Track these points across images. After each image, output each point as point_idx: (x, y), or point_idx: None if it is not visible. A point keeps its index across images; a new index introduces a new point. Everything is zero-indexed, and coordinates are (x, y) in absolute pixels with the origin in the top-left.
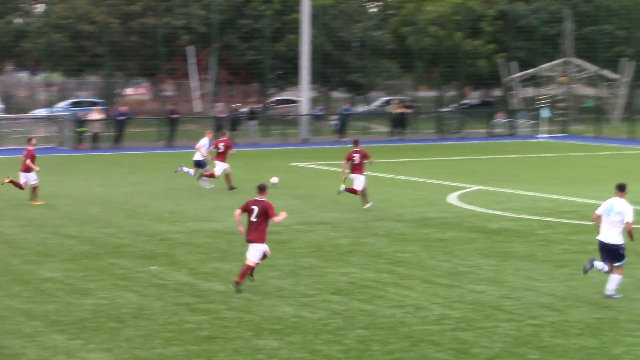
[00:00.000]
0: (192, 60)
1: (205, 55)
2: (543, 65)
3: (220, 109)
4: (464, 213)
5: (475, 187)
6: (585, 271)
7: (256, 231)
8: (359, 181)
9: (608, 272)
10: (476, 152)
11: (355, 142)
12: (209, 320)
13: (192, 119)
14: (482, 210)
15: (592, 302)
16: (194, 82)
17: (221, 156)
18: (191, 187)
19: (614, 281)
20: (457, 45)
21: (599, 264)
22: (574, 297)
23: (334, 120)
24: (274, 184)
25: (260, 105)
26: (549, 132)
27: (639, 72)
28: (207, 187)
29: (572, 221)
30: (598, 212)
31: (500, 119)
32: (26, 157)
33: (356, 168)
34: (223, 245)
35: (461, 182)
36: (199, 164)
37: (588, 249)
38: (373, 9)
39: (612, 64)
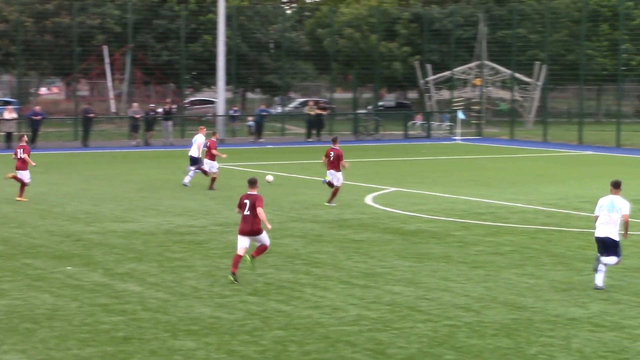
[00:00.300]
0: (107, 60)
1: (120, 55)
2: (458, 68)
3: (135, 109)
4: (380, 214)
5: (391, 189)
6: (596, 270)
7: (253, 223)
8: (335, 177)
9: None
10: (392, 154)
11: (334, 140)
12: (125, 321)
13: (107, 119)
14: (399, 211)
15: (507, 303)
16: (109, 82)
17: (211, 155)
18: (107, 187)
19: (603, 268)
20: (373, 47)
21: (605, 263)
22: (489, 298)
23: (250, 122)
24: (269, 182)
25: (176, 106)
26: (464, 134)
27: (551, 76)
28: (188, 183)
29: (487, 223)
30: (597, 212)
31: (417, 121)
32: (23, 152)
33: (332, 165)
34: (139, 246)
35: (377, 184)
36: (195, 161)
37: (503, 250)
38: (289, 10)
39: (526, 68)
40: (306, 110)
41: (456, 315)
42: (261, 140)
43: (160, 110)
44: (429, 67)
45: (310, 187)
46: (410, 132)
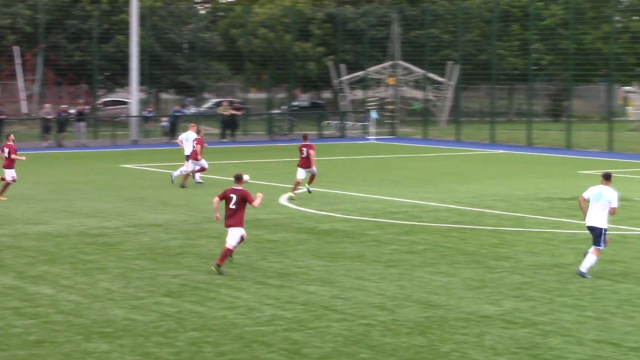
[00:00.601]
0: (17, 61)
1: (32, 56)
2: (371, 68)
3: (47, 110)
4: (295, 214)
5: (305, 189)
6: (584, 275)
7: (235, 217)
8: (300, 172)
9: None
10: None
11: (305, 137)
12: (38, 324)
13: (19, 120)
14: (313, 211)
15: (421, 301)
16: (20, 82)
17: (195, 154)
18: (18, 189)
19: (589, 260)
20: (287, 47)
21: (587, 263)
22: (403, 296)
23: (163, 122)
24: (245, 182)
25: (89, 107)
26: (378, 134)
27: (464, 76)
28: (200, 181)
29: (401, 222)
30: (585, 195)
31: (336, 121)
32: (10, 152)
33: (303, 161)
34: (52, 248)
35: (292, 184)
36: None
37: (417, 249)
38: (202, 10)
39: (439, 68)
40: (220, 110)
41: (371, 314)
42: (175, 140)
43: (72, 111)
44: (343, 67)
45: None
46: (325, 132)
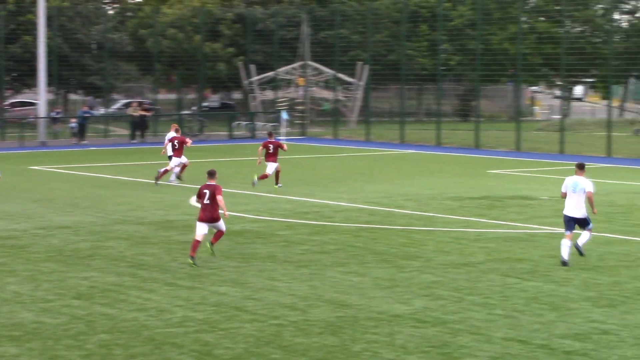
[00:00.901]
0: None
1: None
2: (281, 69)
3: None
4: None
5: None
6: (581, 253)
7: (212, 211)
8: (270, 167)
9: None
10: (217, 154)
11: (270, 134)
12: None
13: None
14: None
15: (333, 301)
16: None
17: (177, 152)
18: None
19: (585, 237)
20: (197, 48)
21: (564, 243)
22: (314, 296)
23: (72, 123)
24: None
25: None
26: (288, 134)
27: (373, 76)
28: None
29: (312, 222)
30: (563, 190)
31: (246, 122)
32: None
33: (271, 156)
34: None
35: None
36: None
37: (328, 249)
38: (111, 11)
39: (349, 68)
40: (129, 111)
41: (282, 314)
42: (84, 142)
43: None
44: (252, 67)
45: (135, 189)
46: (235, 133)
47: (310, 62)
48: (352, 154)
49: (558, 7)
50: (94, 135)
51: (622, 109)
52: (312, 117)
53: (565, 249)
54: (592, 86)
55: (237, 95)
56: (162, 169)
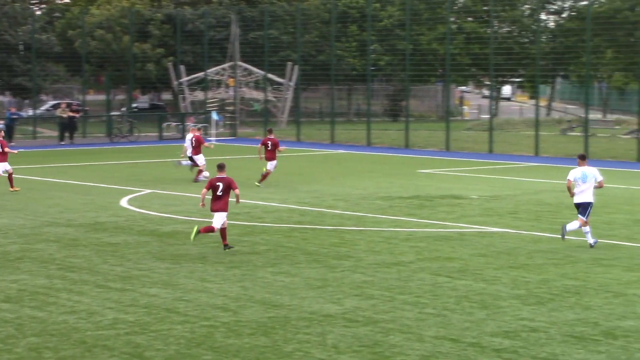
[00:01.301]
0: None
1: None
2: (211, 69)
3: None
4: (136, 217)
5: (146, 191)
6: (563, 237)
7: (221, 202)
8: (270, 164)
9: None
10: (147, 155)
11: (270, 131)
12: None
13: None
14: (154, 213)
15: (264, 301)
16: None
17: (196, 150)
18: None
19: (574, 224)
20: (126, 48)
21: (571, 226)
22: (246, 297)
23: None
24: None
25: None
26: (219, 135)
27: (303, 76)
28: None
29: (243, 222)
30: (570, 178)
31: (176, 122)
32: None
33: (269, 153)
34: None
35: (132, 186)
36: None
37: (259, 249)
38: (38, 11)
39: (279, 68)
40: (58, 112)
41: (214, 315)
42: (12, 144)
43: None
44: (182, 68)
45: (65, 190)
46: (165, 134)
47: (240, 63)
48: (283, 155)
49: (486, 8)
50: (22, 137)
51: (549, 108)
52: (242, 117)
53: (588, 236)
54: (520, 86)
55: (166, 96)
56: (198, 170)
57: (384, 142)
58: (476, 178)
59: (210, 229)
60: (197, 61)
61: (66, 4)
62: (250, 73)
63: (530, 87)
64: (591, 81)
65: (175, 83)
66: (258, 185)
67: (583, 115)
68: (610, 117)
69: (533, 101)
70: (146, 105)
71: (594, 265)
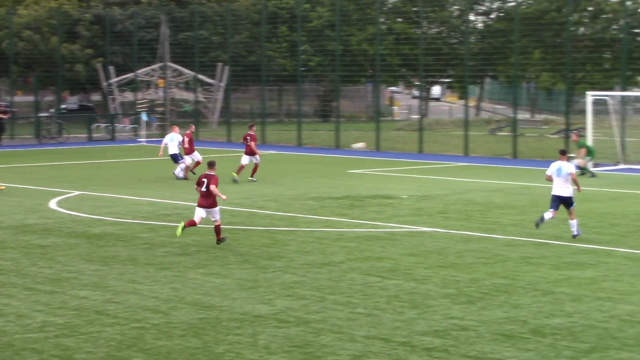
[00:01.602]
0: None
1: None
2: (141, 70)
3: None
4: (65, 218)
5: (76, 192)
6: (537, 226)
7: (208, 198)
8: (244, 158)
9: (552, 217)
10: (76, 157)
11: (250, 126)
12: None
13: None
14: (84, 215)
15: (195, 303)
16: None
17: (188, 150)
18: None
19: (574, 224)
20: (54, 49)
21: (547, 215)
22: (177, 299)
23: None
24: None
25: None
26: (149, 136)
27: (234, 77)
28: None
29: (173, 224)
30: (549, 173)
31: (106, 124)
32: None
33: (248, 148)
34: None
35: (62, 188)
36: (174, 158)
37: (190, 250)
38: None
39: (209, 69)
40: None
41: (144, 317)
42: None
43: None
44: (111, 69)
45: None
46: (95, 135)
47: (170, 64)
48: (214, 155)
49: (415, 9)
50: None
51: (478, 108)
52: (172, 118)
53: (548, 215)
54: (449, 86)
55: (96, 97)
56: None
57: (315, 142)
58: (406, 178)
59: (192, 223)
60: (127, 62)
61: None
62: (180, 74)
63: (460, 88)
64: (519, 81)
65: (104, 84)
66: (235, 179)
67: (511, 115)
68: (539, 117)
69: (462, 101)
70: (75, 106)
71: (522, 263)
